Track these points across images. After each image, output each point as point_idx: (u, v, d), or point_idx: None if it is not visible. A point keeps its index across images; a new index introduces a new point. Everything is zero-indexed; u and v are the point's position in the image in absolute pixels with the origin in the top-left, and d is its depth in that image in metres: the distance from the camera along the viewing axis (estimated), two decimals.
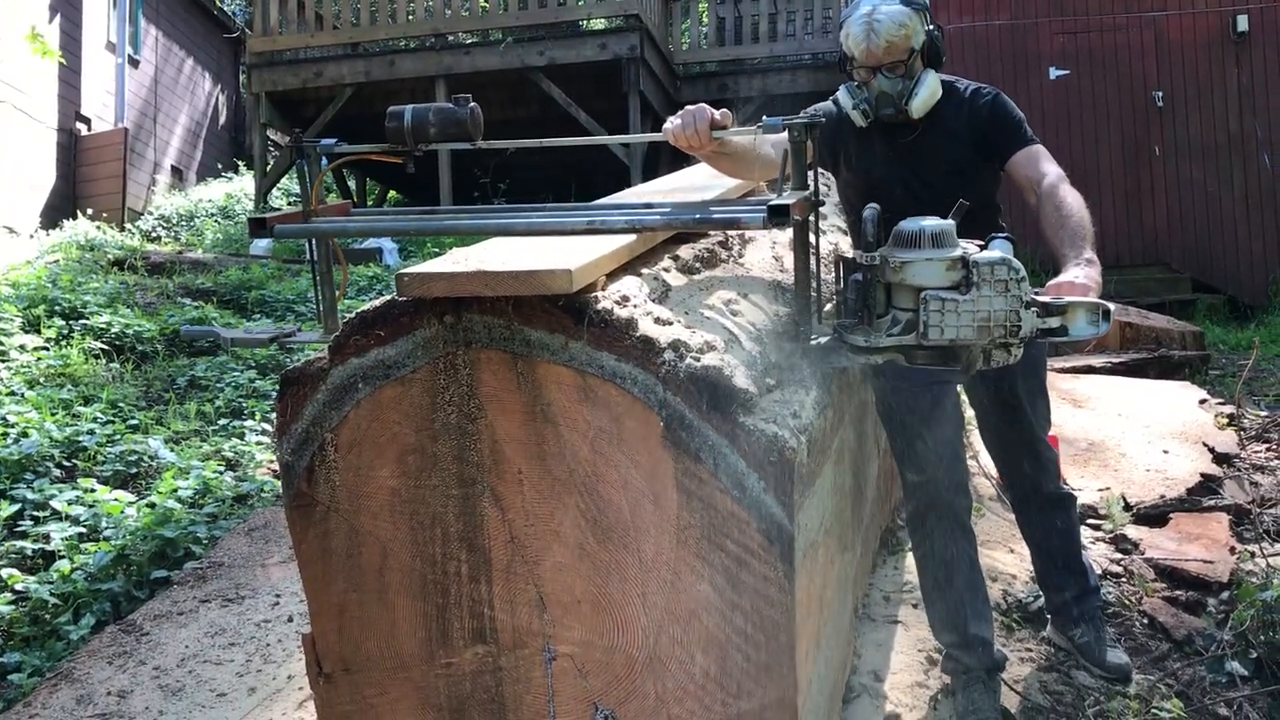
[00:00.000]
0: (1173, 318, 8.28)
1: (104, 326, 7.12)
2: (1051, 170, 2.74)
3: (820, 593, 2.19)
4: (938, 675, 3.02)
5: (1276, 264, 9.97)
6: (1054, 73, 10.38)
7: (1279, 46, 10.10)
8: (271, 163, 12.95)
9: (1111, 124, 10.31)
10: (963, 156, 2.87)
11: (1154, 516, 4.37)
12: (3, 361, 6.38)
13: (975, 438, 3.33)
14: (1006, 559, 3.83)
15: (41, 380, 6.18)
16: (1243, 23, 10.06)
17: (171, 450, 5.23)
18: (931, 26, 2.82)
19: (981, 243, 2.23)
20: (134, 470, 5.10)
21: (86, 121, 14.51)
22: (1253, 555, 3.86)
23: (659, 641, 1.89)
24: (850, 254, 2.30)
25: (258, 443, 5.44)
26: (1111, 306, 2.20)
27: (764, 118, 2.27)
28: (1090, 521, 4.28)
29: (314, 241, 2.47)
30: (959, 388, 3.06)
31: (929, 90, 2.78)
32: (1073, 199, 2.64)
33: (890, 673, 3.03)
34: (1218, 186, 10.16)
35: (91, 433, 5.32)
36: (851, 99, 2.83)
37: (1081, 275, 2.38)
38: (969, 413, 3.21)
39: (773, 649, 1.85)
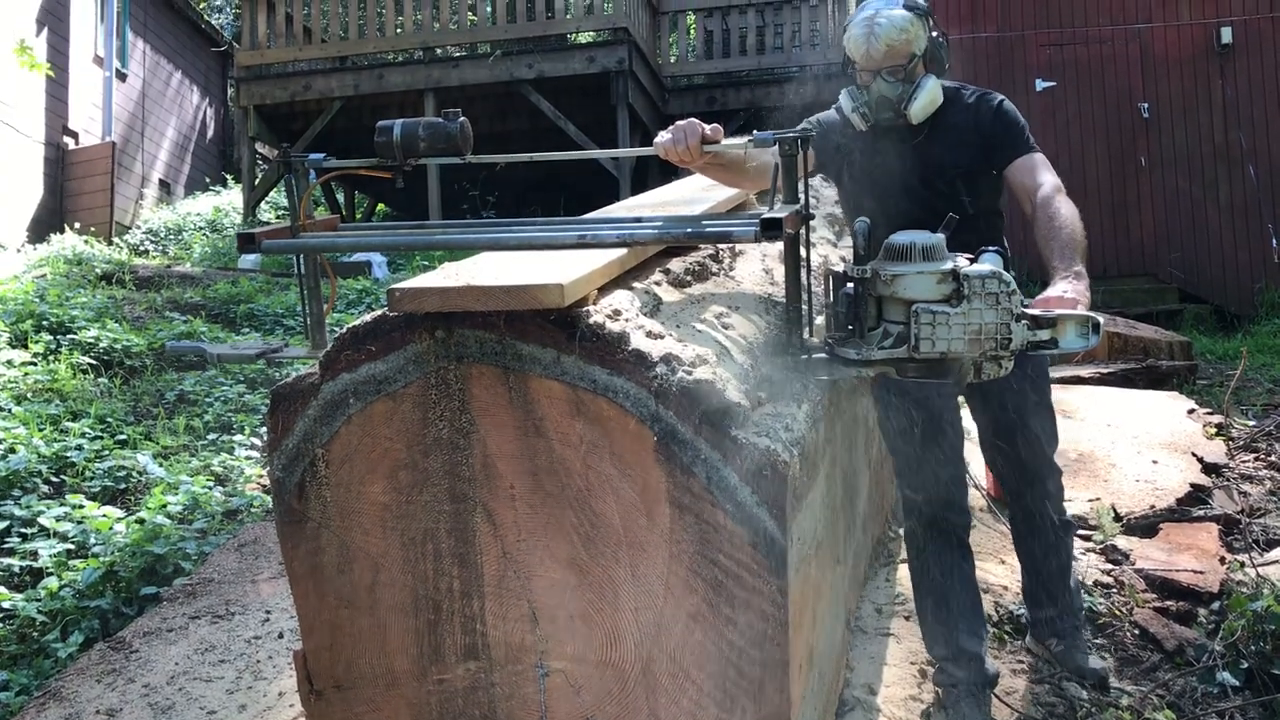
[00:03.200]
0: (1160, 328, 8.31)
1: (92, 341, 7.10)
2: (1048, 180, 2.75)
3: (813, 606, 2.18)
4: (930, 688, 3.02)
5: (1262, 273, 10.03)
6: (1040, 84, 10.44)
7: (1263, 58, 10.18)
8: (260, 176, 12.93)
9: (1098, 135, 10.37)
10: (969, 162, 2.87)
11: (1144, 527, 4.38)
12: None
13: (968, 449, 3.33)
14: (998, 570, 3.83)
15: (29, 395, 6.15)
16: (1227, 35, 10.14)
17: (160, 465, 5.20)
18: (936, 33, 2.83)
19: (971, 256, 2.24)
20: (122, 486, 5.08)
21: (74, 135, 14.48)
22: (1243, 565, 3.87)
23: (652, 656, 1.88)
24: (840, 267, 2.31)
25: (247, 457, 5.42)
26: (1101, 319, 2.21)
27: (754, 132, 2.28)
28: (1081, 532, 4.29)
29: (302, 257, 2.47)
30: (961, 401, 3.06)
31: (928, 95, 2.78)
32: (1067, 210, 2.65)
33: (883, 685, 3.02)
34: (1203, 197, 10.22)
35: (80, 448, 5.29)
36: (852, 101, 2.83)
37: (1070, 289, 2.39)
38: (970, 426, 3.20)
39: (766, 663, 1.84)
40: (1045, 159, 2.83)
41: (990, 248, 2.27)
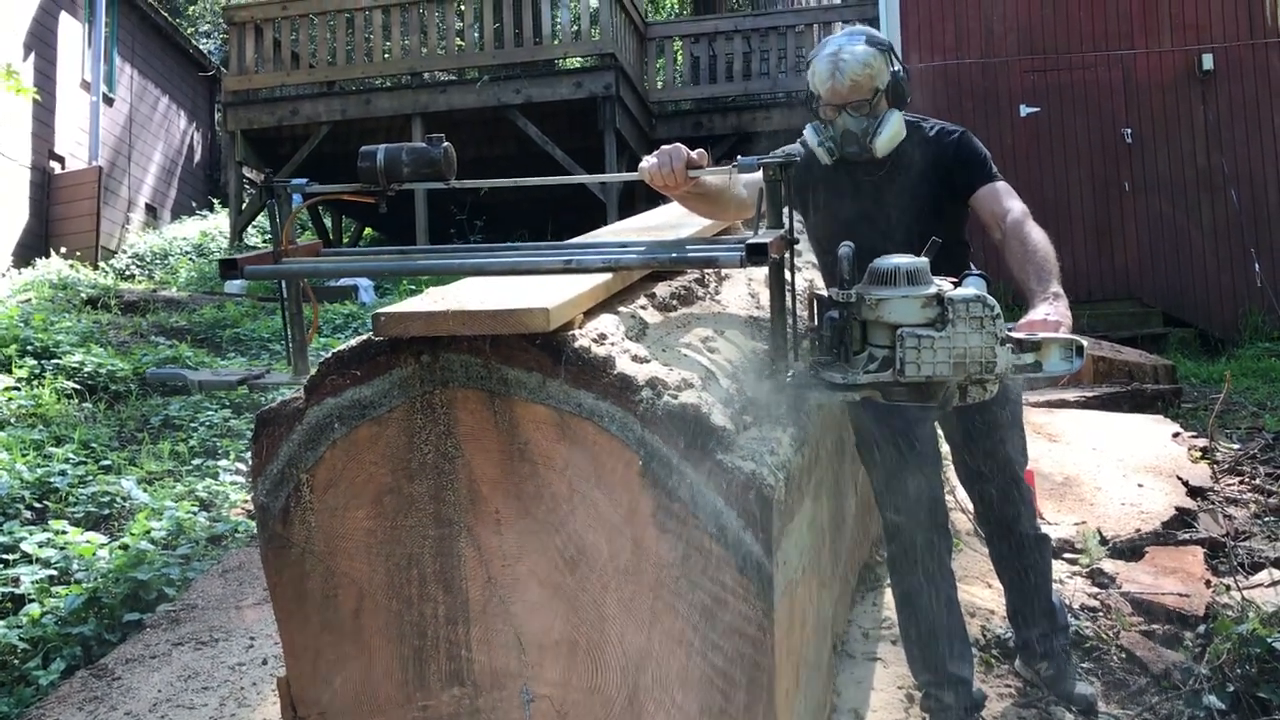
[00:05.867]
0: (1145, 352, 8.34)
1: (77, 366, 7.05)
2: (1015, 206, 2.77)
3: (800, 630, 2.18)
4: (917, 713, 3.01)
5: (1245, 297, 10.09)
6: (1024, 110, 10.52)
7: (1243, 84, 10.28)
8: (247, 201, 12.92)
9: (1081, 160, 10.45)
10: (930, 194, 2.89)
11: (1130, 550, 4.39)
12: None
13: (952, 473, 3.34)
14: (984, 594, 3.83)
15: (12, 420, 6.11)
16: (1208, 61, 10.24)
17: (144, 491, 5.17)
18: (897, 68, 2.86)
19: (956, 280, 2.25)
20: (106, 511, 5.04)
21: (60, 160, 14.45)
22: (1228, 588, 3.88)
23: (638, 682, 1.88)
24: (825, 292, 2.32)
25: (232, 483, 5.39)
26: (1085, 342, 2.22)
27: (739, 157, 2.29)
28: (1067, 556, 4.29)
29: (284, 282, 2.47)
30: (935, 424, 3.07)
31: (893, 129, 2.80)
32: (1037, 234, 2.67)
33: (870, 711, 3.01)
34: (1187, 221, 10.29)
35: (63, 473, 5.25)
36: (817, 136, 2.85)
37: (1053, 311, 2.40)
38: (945, 448, 3.22)
39: (753, 688, 1.84)
40: (1009, 187, 2.85)
41: (974, 271, 2.28)
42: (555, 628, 1.91)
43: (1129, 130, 10.39)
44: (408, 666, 1.98)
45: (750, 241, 1.98)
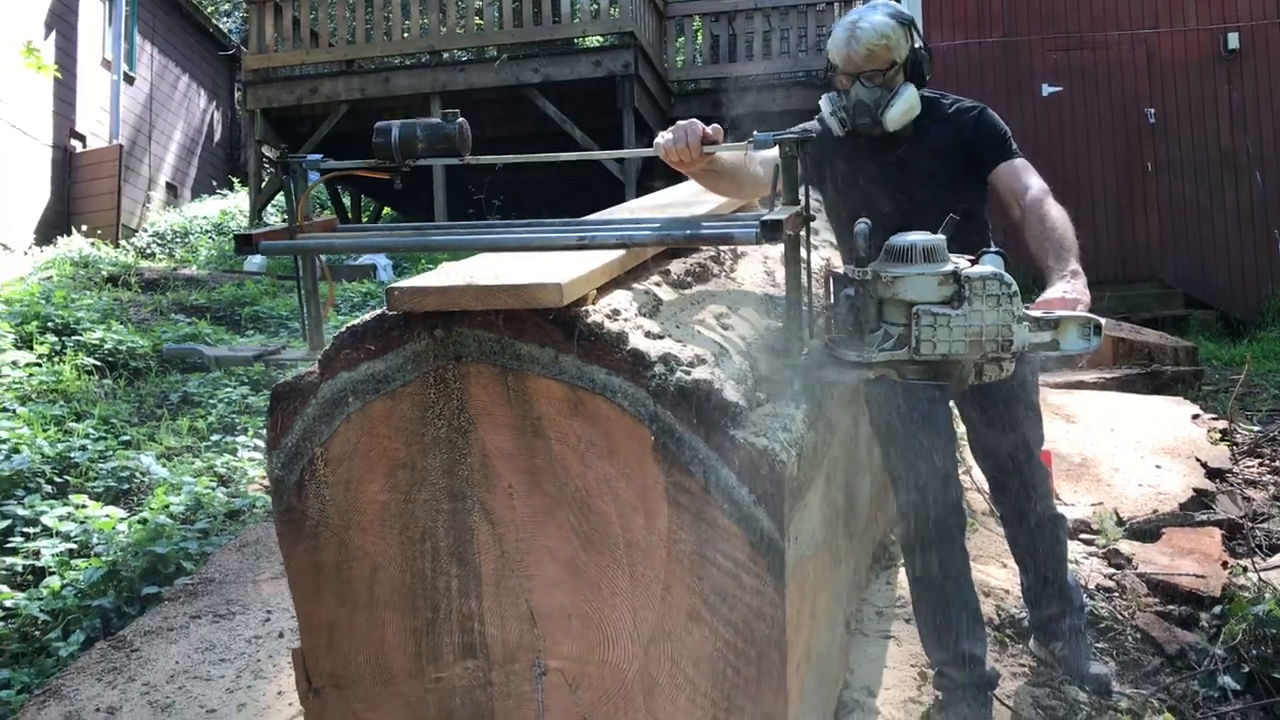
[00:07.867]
0: (1165, 333, 8.28)
1: (97, 343, 7.11)
2: (1035, 183, 2.75)
3: (812, 607, 2.18)
4: (930, 691, 3.01)
5: (1268, 279, 10.01)
6: (1047, 89, 10.44)
7: (1270, 64, 10.16)
8: (266, 179, 12.95)
9: (1104, 140, 10.36)
10: (948, 171, 2.87)
11: (1147, 531, 4.37)
12: None
13: (967, 452, 3.33)
14: (999, 574, 3.83)
15: (34, 396, 6.16)
16: (1233, 40, 10.13)
17: (163, 466, 5.21)
18: (918, 44, 2.83)
19: (973, 257, 2.23)
20: (126, 486, 5.08)
21: (81, 138, 14.51)
22: (1245, 570, 3.86)
23: (650, 656, 1.88)
24: (841, 269, 2.31)
25: (250, 458, 5.43)
26: (1102, 321, 2.20)
27: (755, 133, 2.27)
28: (1083, 536, 4.28)
29: (300, 258, 2.47)
30: (951, 403, 3.06)
31: (905, 103, 2.78)
32: (1056, 212, 2.65)
33: (883, 688, 3.02)
34: (1209, 202, 10.20)
35: (83, 449, 5.30)
36: (831, 106, 2.84)
37: (1071, 289, 2.39)
38: (961, 427, 3.21)
39: (764, 664, 1.84)
40: (1028, 164, 2.82)
41: (992, 249, 2.26)
42: (568, 601, 1.92)
43: (1152, 110, 10.29)
44: (421, 639, 1.99)
45: (766, 218, 1.98)
